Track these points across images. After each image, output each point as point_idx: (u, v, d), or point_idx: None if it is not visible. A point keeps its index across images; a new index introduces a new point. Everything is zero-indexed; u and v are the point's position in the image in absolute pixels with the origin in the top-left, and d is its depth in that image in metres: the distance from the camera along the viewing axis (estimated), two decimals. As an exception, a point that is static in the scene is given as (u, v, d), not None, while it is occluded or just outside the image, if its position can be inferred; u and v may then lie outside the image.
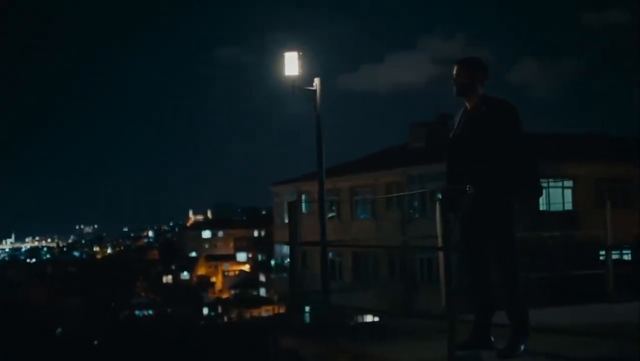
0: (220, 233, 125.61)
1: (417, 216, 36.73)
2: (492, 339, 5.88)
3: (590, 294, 9.25)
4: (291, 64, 11.96)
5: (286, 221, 41.10)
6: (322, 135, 10.62)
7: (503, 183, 5.63)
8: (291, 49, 11.95)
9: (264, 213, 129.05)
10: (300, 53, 11.48)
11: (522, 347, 5.68)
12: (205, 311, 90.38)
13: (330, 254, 42.96)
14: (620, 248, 35.65)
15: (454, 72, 5.93)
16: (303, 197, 46.54)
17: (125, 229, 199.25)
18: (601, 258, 35.09)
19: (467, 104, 5.94)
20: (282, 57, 12.09)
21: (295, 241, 8.11)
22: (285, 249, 47.46)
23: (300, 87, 11.05)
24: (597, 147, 38.55)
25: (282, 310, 55.78)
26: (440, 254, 8.55)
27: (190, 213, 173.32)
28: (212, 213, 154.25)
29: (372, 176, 38.09)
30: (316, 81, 11.00)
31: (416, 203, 37.15)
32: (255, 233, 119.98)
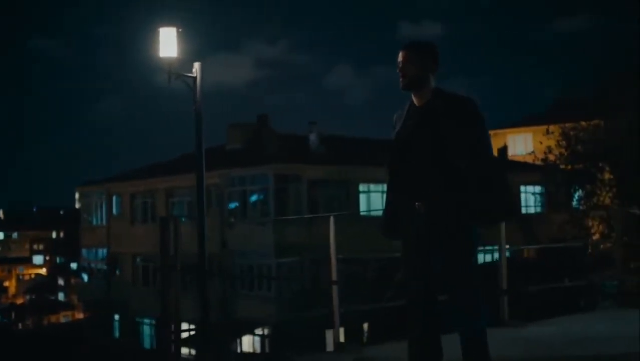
0: (15, 234, 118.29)
1: (237, 219, 35.59)
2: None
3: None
4: (168, 42, 9.62)
5: (95, 223, 38.27)
6: (202, 131, 8.90)
7: (465, 198, 4.53)
8: (167, 24, 9.65)
9: (62, 212, 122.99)
10: (180, 30, 9.36)
11: None
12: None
13: (138, 259, 41.05)
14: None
15: (400, 59, 4.73)
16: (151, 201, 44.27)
17: None
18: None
19: (415, 100, 4.77)
20: (157, 34, 9.69)
21: (168, 264, 6.75)
22: (94, 254, 44.93)
23: (178, 74, 9.14)
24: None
25: (86, 316, 52.70)
26: (334, 288, 7.33)
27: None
28: (4, 212, 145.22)
29: (190, 177, 36.47)
30: (196, 65, 9.16)
31: (235, 205, 36.02)
32: (54, 235, 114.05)
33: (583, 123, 27.34)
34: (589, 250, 26.21)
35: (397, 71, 4.76)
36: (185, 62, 9.56)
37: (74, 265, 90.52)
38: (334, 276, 6.84)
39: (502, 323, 8.30)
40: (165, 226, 6.86)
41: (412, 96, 4.80)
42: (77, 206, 52.10)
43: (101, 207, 43.57)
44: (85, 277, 47.47)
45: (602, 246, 26.33)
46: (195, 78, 9.15)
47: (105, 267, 43.60)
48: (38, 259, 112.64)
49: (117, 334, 42.01)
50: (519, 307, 9.92)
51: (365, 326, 28.76)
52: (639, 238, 17.41)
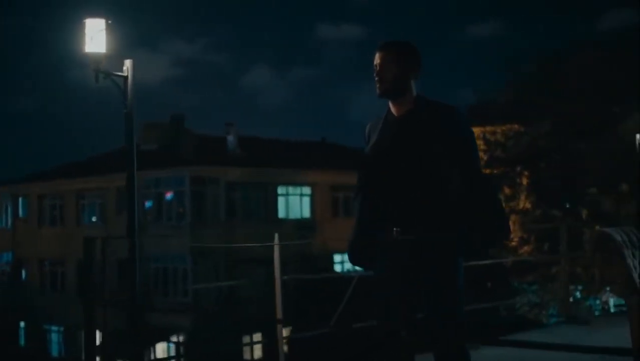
0: None
1: (152, 220, 34.47)
2: None
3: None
4: (95, 36, 8.41)
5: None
6: (133, 134, 7.97)
7: (453, 223, 3.90)
8: (94, 15, 8.42)
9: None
10: (109, 21, 8.26)
11: None
12: None
13: (46, 263, 39.30)
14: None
15: (377, 61, 4.07)
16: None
17: None
18: (338, 266, 35.41)
19: (393, 109, 4.10)
20: (82, 26, 8.45)
21: (91, 297, 5.87)
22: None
23: (108, 72, 8.09)
24: (332, 154, 38.82)
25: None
26: (279, 327, 6.55)
27: None
28: None
29: (103, 179, 35.15)
30: (127, 63, 8.13)
31: (151, 204, 34.83)
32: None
33: (503, 127, 27.38)
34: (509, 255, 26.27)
35: (374, 75, 4.10)
36: (111, 58, 8.58)
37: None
38: (280, 314, 6.04)
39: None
40: (88, 253, 6.02)
41: (390, 104, 4.13)
42: (-21, 207, 49.85)
43: (6, 209, 41.71)
44: (-12, 282, 45.42)
45: (521, 251, 26.47)
46: (126, 77, 8.18)
47: (9, 271, 41.79)
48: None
49: (22, 341, 40.22)
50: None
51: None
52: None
